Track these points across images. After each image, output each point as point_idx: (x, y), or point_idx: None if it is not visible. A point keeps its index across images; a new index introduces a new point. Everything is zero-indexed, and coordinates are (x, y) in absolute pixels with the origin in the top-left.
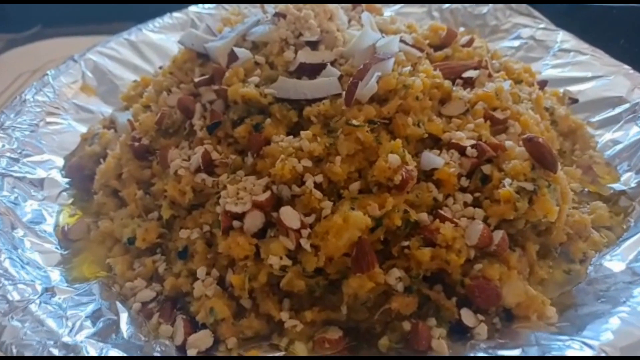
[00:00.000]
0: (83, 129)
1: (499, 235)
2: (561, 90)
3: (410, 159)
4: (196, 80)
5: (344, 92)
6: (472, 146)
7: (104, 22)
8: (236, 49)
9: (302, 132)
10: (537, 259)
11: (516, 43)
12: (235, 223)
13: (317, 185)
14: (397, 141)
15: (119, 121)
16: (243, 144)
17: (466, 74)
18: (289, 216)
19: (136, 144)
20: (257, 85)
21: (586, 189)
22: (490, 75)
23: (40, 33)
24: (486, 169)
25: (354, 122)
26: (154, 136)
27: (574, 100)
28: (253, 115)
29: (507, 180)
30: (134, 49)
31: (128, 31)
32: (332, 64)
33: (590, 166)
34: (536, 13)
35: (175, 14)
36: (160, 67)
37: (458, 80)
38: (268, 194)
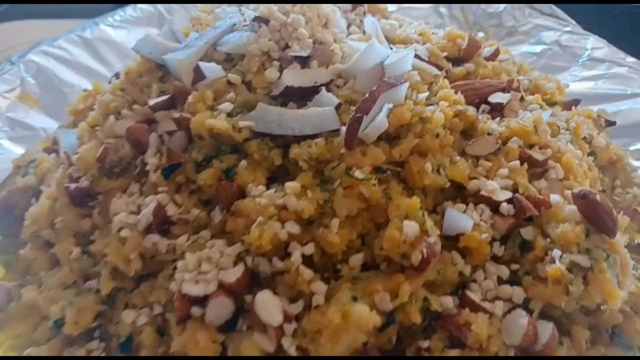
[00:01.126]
0: (20, 150)
1: (547, 330)
2: (594, 109)
3: (433, 226)
4: (151, 103)
5: (343, 128)
6: (508, 201)
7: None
8: (203, 64)
9: (287, 185)
10: (587, 347)
11: (538, 49)
12: (195, 310)
13: (307, 259)
14: (414, 200)
15: (63, 143)
16: (209, 193)
17: (494, 98)
18: (268, 307)
19: (73, 185)
20: (229, 114)
21: (636, 241)
22: (522, 99)
23: (5, 13)
24: (527, 232)
25: (357, 173)
26: (95, 175)
27: (610, 123)
28: (223, 155)
29: (556, 252)
30: (88, 48)
31: (81, 26)
32: (328, 86)
33: (637, 210)
34: (561, 13)
35: (141, 6)
36: (117, 75)
37: (484, 106)
38: (240, 270)
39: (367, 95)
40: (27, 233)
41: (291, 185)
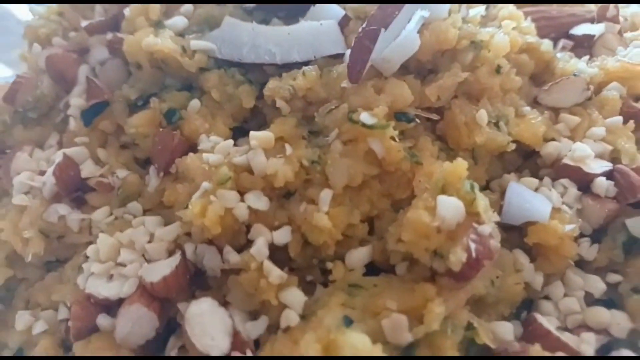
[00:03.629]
0: None
1: None
2: None
3: (487, 208)
4: (84, 24)
5: (348, 52)
6: (606, 175)
7: None
8: None
9: (253, 134)
10: None
11: None
12: (104, 321)
13: (278, 251)
14: (458, 164)
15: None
16: (145, 148)
17: (578, 30)
18: (207, 325)
19: None
20: (180, 34)
21: None
22: (620, 34)
23: None
24: (635, 225)
25: (365, 116)
26: (7, 123)
27: None
28: (168, 93)
29: None
30: None
31: None
32: None
33: None
34: None
35: None
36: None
37: (564, 42)
38: (173, 263)
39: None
40: None
41: (259, 135)
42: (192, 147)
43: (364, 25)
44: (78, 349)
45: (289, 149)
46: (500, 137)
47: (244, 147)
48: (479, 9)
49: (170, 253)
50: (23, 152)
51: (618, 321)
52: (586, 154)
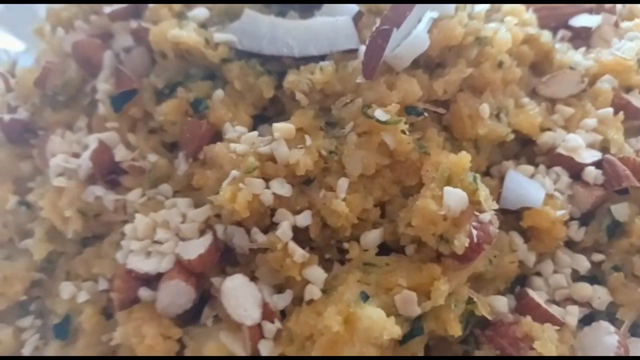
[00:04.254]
0: None
1: None
2: None
3: (488, 197)
4: (108, 9)
5: (362, 48)
6: (596, 164)
7: None
8: None
9: (276, 126)
10: None
11: None
12: (145, 293)
13: (300, 233)
14: (462, 157)
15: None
16: (172, 133)
17: (576, 21)
18: (240, 297)
19: (7, 116)
20: (202, 26)
21: None
22: (617, 25)
23: None
24: (619, 210)
25: (379, 113)
26: (37, 106)
27: None
28: (193, 82)
29: None
30: None
31: None
32: None
33: None
34: None
35: None
36: None
37: (563, 32)
38: (207, 242)
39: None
40: None
41: (282, 127)
42: (217, 134)
43: (377, 25)
44: (121, 318)
45: (308, 140)
46: (500, 129)
47: (267, 138)
48: (484, 6)
49: (202, 232)
50: (56, 135)
51: (599, 295)
52: (578, 145)
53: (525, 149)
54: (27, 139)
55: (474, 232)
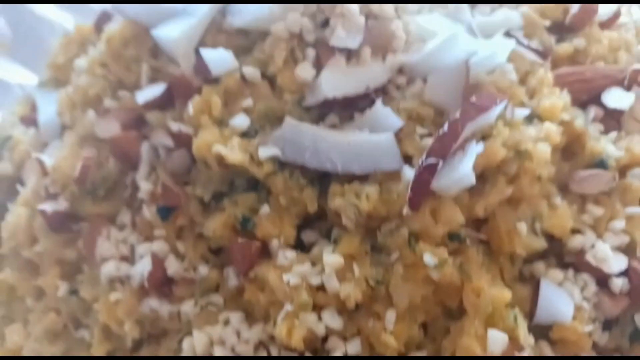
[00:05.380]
0: None
1: None
2: None
3: (526, 334)
4: (141, 99)
5: (406, 170)
6: (624, 273)
7: None
8: (208, 54)
9: (326, 260)
10: None
11: None
12: None
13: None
14: (502, 295)
15: (41, 112)
16: (221, 242)
17: (610, 97)
18: None
19: (50, 209)
20: (245, 133)
21: None
22: None
23: None
24: None
25: (428, 257)
26: (76, 194)
27: None
28: (238, 193)
29: None
30: None
31: None
32: (385, 88)
33: None
34: None
35: None
36: (101, 21)
37: (595, 111)
38: None
39: (444, 127)
40: (5, 248)
41: (332, 261)
42: (265, 248)
43: (423, 158)
44: None
45: (356, 270)
46: (536, 243)
47: (317, 268)
48: (525, 112)
49: (256, 348)
50: (102, 237)
51: None
52: (607, 256)
53: (554, 245)
54: (69, 226)
55: None
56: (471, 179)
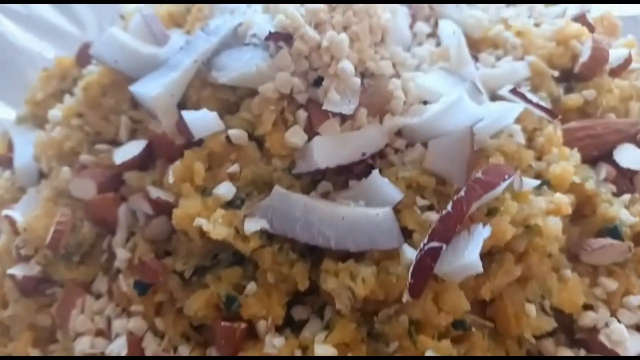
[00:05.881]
0: None
1: None
2: None
3: None
4: (118, 159)
5: (406, 250)
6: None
7: None
8: (190, 116)
9: (318, 349)
10: None
11: None
12: None
13: None
14: None
15: (18, 153)
16: (204, 321)
17: (622, 155)
18: None
19: (20, 274)
20: (229, 204)
21: None
22: None
23: None
24: None
25: (431, 352)
26: (49, 258)
27: None
28: (222, 268)
29: None
30: None
31: None
32: (382, 152)
33: None
34: None
35: None
36: (83, 49)
37: (607, 169)
38: None
39: (449, 207)
40: None
41: (325, 352)
42: (251, 328)
43: (425, 241)
44: None
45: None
46: (545, 324)
47: (309, 353)
48: (534, 183)
49: None
50: (77, 309)
51: None
52: (623, 338)
53: (564, 320)
54: (42, 290)
55: None
56: (478, 267)
